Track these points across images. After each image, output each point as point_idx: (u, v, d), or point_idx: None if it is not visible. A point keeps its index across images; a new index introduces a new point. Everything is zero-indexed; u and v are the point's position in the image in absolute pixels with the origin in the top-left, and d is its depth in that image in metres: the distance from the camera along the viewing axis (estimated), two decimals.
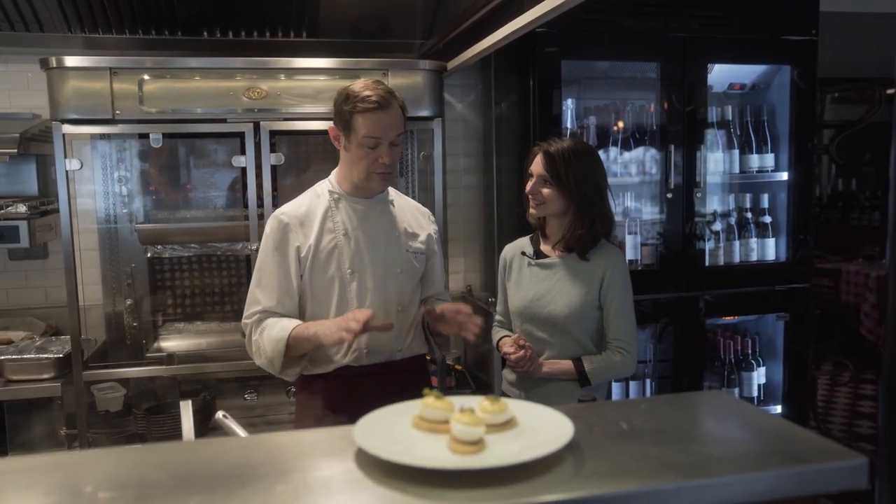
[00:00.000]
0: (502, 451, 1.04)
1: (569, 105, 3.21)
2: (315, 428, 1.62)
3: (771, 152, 3.43)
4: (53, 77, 2.67)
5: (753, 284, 3.39)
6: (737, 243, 3.42)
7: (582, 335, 2.19)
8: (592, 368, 2.17)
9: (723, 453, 1.10)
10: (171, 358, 2.94)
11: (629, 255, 3.23)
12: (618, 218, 3.15)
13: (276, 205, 2.77)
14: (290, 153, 3.14)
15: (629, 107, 3.33)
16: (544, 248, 2.29)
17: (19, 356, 2.80)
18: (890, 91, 4.94)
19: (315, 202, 2.06)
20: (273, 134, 2.90)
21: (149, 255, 3.18)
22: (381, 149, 1.96)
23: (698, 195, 3.27)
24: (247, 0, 3.07)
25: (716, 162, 3.39)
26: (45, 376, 2.81)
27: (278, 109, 2.86)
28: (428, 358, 3.26)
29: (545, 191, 2.18)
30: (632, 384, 3.37)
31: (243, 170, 2.89)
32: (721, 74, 3.42)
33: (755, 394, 3.48)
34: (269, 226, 2.05)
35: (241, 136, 2.88)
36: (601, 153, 3.22)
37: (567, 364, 2.19)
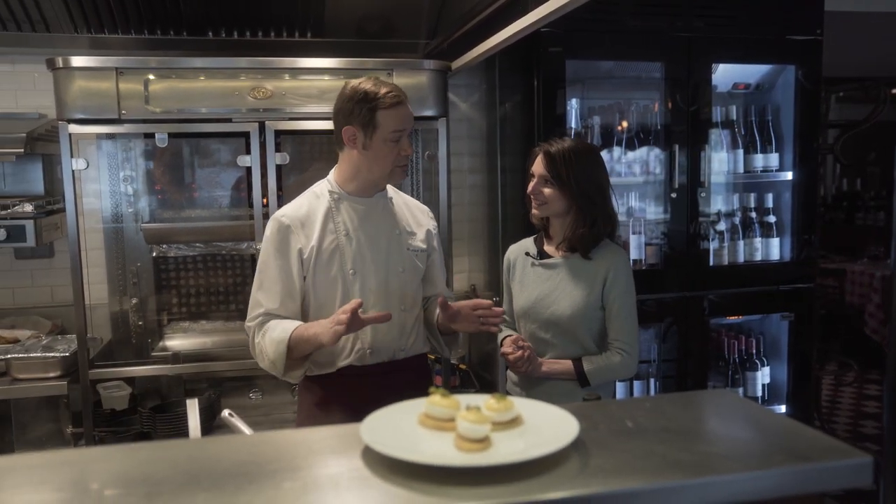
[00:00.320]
0: (508, 449, 1.05)
1: (573, 105, 3.21)
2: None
3: (775, 152, 3.42)
4: (60, 77, 2.68)
5: (758, 284, 3.39)
6: (741, 243, 3.42)
7: (585, 336, 2.20)
8: (592, 369, 2.17)
9: (728, 451, 1.11)
10: (176, 357, 2.96)
11: (633, 254, 3.24)
12: (622, 218, 3.16)
13: (280, 204, 2.78)
14: (294, 153, 3.15)
15: (633, 107, 3.33)
16: (548, 248, 2.30)
17: (26, 355, 2.81)
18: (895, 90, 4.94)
19: (315, 203, 2.06)
20: (278, 133, 2.91)
21: (154, 254, 3.20)
22: (403, 141, 2.00)
23: (703, 195, 3.27)
24: (252, 0, 3.07)
25: (720, 161, 3.39)
26: (51, 375, 2.81)
27: (283, 109, 2.86)
28: (432, 357, 3.29)
29: (546, 191, 2.19)
30: (636, 384, 3.37)
31: (248, 169, 2.90)
32: (725, 74, 3.42)
33: (759, 393, 3.48)
34: (270, 228, 2.04)
35: (246, 135, 2.89)
36: (605, 153, 3.23)
37: (566, 364, 2.19)
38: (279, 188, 2.92)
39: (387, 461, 1.02)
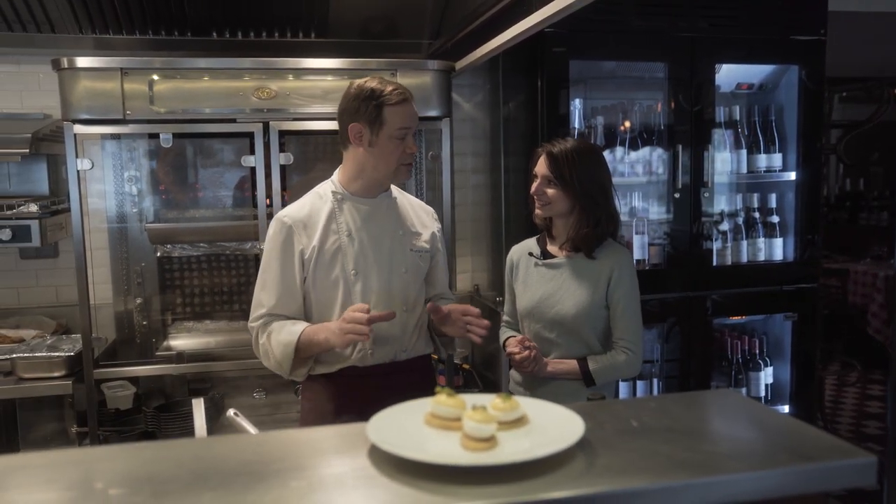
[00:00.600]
0: (514, 448, 1.05)
1: (576, 105, 3.21)
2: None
3: (779, 152, 3.42)
4: (65, 78, 2.69)
5: (761, 284, 3.39)
6: (744, 243, 3.42)
7: (590, 335, 2.20)
8: (597, 368, 2.18)
9: (733, 451, 1.11)
10: (180, 357, 2.96)
11: (637, 254, 3.24)
12: (625, 218, 3.16)
13: (284, 204, 2.79)
14: (298, 153, 3.16)
15: (637, 107, 3.33)
16: (551, 248, 2.30)
17: (31, 354, 2.83)
18: None
19: (318, 204, 2.06)
20: (282, 134, 2.92)
21: (158, 254, 3.21)
22: (409, 139, 2.01)
23: (706, 195, 3.27)
24: (256, 1, 3.08)
25: (723, 162, 3.39)
26: (56, 374, 2.83)
27: (287, 109, 2.87)
28: (435, 357, 3.29)
29: (550, 191, 2.19)
30: (639, 384, 3.37)
31: (252, 169, 2.91)
32: (729, 74, 3.42)
33: (762, 394, 3.48)
34: (273, 228, 2.05)
35: (250, 135, 2.90)
36: (608, 153, 3.23)
37: (571, 364, 2.20)
38: (283, 188, 2.92)
39: (393, 460, 1.03)
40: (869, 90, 4.61)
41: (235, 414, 1.87)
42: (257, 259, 3.06)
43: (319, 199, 2.07)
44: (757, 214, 3.45)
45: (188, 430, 2.83)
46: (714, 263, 3.34)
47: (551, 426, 1.12)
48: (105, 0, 2.96)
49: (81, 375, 2.82)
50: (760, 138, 3.42)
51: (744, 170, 3.41)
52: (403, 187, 2.27)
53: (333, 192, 2.07)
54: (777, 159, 3.42)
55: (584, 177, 2.16)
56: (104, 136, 3.11)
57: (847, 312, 6.01)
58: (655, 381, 3.40)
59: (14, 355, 2.82)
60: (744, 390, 3.46)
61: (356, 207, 2.06)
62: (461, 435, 1.07)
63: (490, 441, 1.05)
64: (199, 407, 1.67)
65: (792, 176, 3.41)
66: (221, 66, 2.82)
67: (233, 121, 2.88)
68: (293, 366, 2.00)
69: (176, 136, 2.86)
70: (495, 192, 3.60)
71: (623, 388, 3.31)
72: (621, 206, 2.36)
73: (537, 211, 2.25)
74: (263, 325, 2.04)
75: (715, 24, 3.21)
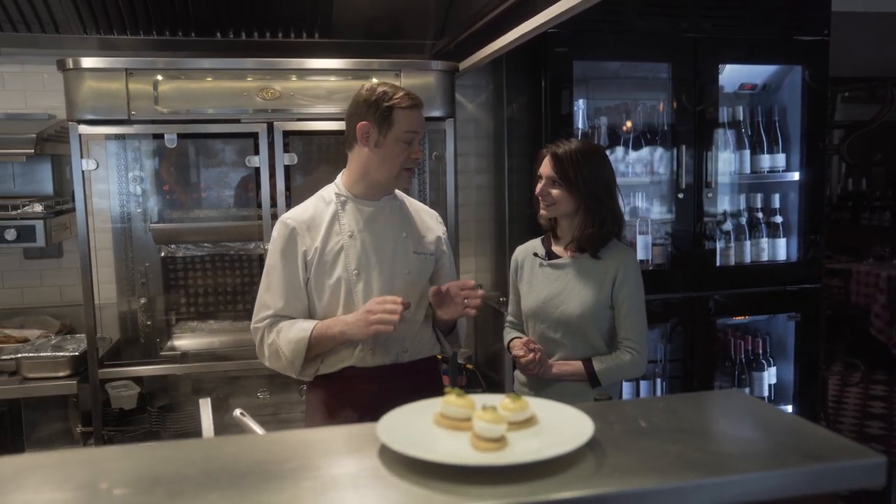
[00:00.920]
0: (524, 448, 1.06)
1: (580, 105, 3.22)
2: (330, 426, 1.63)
3: (782, 152, 3.43)
4: (70, 78, 2.70)
5: (764, 284, 3.39)
6: (748, 243, 3.42)
7: (595, 335, 2.20)
8: (602, 369, 2.18)
9: (742, 451, 1.11)
10: (184, 356, 2.97)
11: (640, 255, 3.24)
12: (628, 218, 3.16)
13: (289, 205, 2.79)
14: (303, 153, 3.16)
15: (640, 107, 3.34)
16: (556, 248, 2.31)
17: (35, 354, 2.83)
18: None
19: (321, 206, 2.07)
20: (286, 134, 2.92)
21: (162, 254, 3.21)
22: (415, 144, 2.03)
23: (709, 195, 3.28)
24: (260, 1, 3.09)
25: (727, 162, 3.39)
26: (61, 374, 2.83)
27: (291, 110, 2.88)
28: (439, 357, 3.29)
29: (554, 192, 2.20)
30: (642, 384, 3.38)
31: (257, 170, 2.91)
32: (732, 74, 3.43)
33: (766, 394, 3.48)
34: (276, 231, 2.06)
35: (254, 136, 2.90)
36: (612, 153, 3.24)
37: (577, 365, 2.20)
38: (287, 189, 2.93)
39: (403, 460, 1.03)
40: (873, 90, 4.61)
41: (242, 414, 1.88)
42: (261, 259, 3.06)
43: (323, 202, 2.08)
44: (760, 214, 3.46)
45: (192, 430, 2.84)
46: (717, 263, 3.35)
47: (561, 426, 1.13)
48: (109, 1, 2.97)
49: (86, 375, 2.83)
50: (764, 138, 3.42)
51: (747, 170, 3.41)
52: (407, 192, 2.27)
53: (337, 195, 2.08)
54: (780, 159, 3.42)
55: (589, 177, 2.17)
56: (108, 137, 3.12)
57: (849, 313, 6.02)
58: (659, 381, 3.40)
59: (19, 355, 2.82)
60: (747, 390, 3.46)
61: (359, 209, 2.07)
62: (471, 435, 1.08)
63: (500, 441, 1.06)
64: (206, 407, 1.68)
65: (795, 176, 3.42)
66: (226, 67, 2.83)
67: (237, 121, 2.88)
68: (304, 363, 1.99)
69: (180, 136, 2.86)
70: (499, 192, 3.60)
71: (626, 389, 3.31)
72: (624, 207, 2.36)
73: (542, 212, 2.25)
74: (270, 325, 2.03)
75: (718, 25, 3.21)
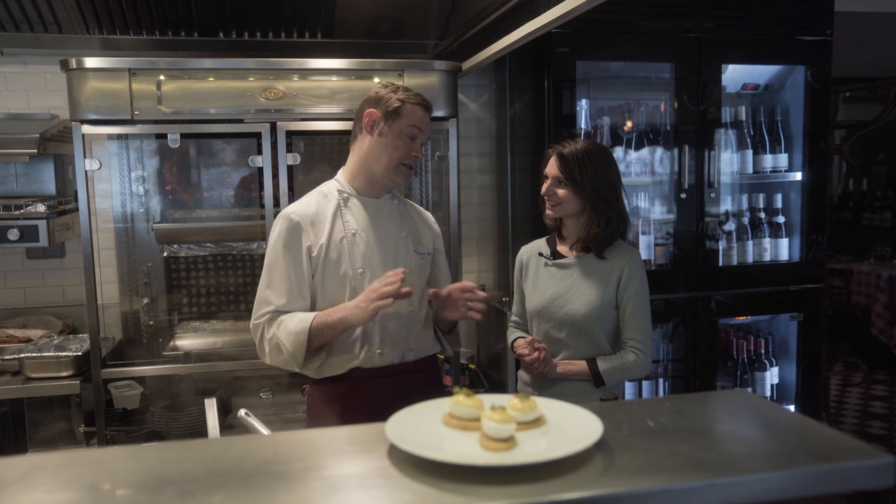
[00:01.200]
0: (533, 448, 1.06)
1: (583, 105, 3.22)
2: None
3: (784, 152, 3.43)
4: (73, 78, 2.69)
5: (767, 285, 3.39)
6: (750, 243, 3.43)
7: (600, 335, 2.21)
8: (607, 368, 2.18)
9: (750, 451, 1.11)
10: (187, 356, 2.97)
11: (642, 255, 3.24)
12: (630, 218, 3.16)
13: None
14: (306, 153, 3.16)
15: (643, 107, 3.34)
16: (561, 248, 2.31)
17: (39, 354, 2.83)
18: None
19: (323, 202, 2.06)
20: (289, 134, 2.92)
21: (165, 254, 3.22)
22: (417, 143, 2.04)
23: (712, 195, 3.28)
24: (263, 1, 3.09)
25: (729, 162, 3.40)
26: (64, 374, 2.83)
27: (294, 110, 2.87)
28: (441, 357, 3.30)
29: (560, 192, 2.20)
30: (644, 383, 3.38)
31: (259, 170, 2.91)
32: (735, 75, 3.43)
33: (768, 394, 3.48)
34: (280, 225, 2.03)
35: (257, 136, 2.90)
36: (614, 153, 3.23)
37: (581, 364, 2.20)
38: (290, 188, 2.92)
39: (412, 460, 1.03)
40: (875, 90, 4.60)
41: (246, 414, 1.87)
42: (264, 259, 3.06)
43: (324, 198, 2.07)
44: (762, 214, 3.46)
45: (195, 430, 2.83)
46: (720, 263, 3.35)
47: (569, 427, 1.13)
48: (112, 1, 2.97)
49: (89, 375, 2.83)
50: (766, 138, 3.43)
51: (749, 170, 3.42)
52: (409, 190, 2.27)
53: (339, 191, 2.07)
54: (783, 159, 3.43)
55: (595, 178, 2.17)
56: (111, 137, 3.12)
57: (851, 312, 6.02)
58: (661, 381, 3.40)
59: (22, 355, 2.82)
60: (749, 390, 3.46)
61: (361, 206, 2.07)
62: (480, 435, 1.08)
63: (509, 441, 1.06)
64: (211, 407, 1.68)
65: (798, 176, 3.42)
66: (229, 67, 2.82)
67: (240, 121, 2.88)
68: (306, 356, 1.97)
69: (183, 136, 2.86)
70: (501, 192, 3.60)
71: (629, 388, 3.32)
72: (628, 206, 2.37)
73: (548, 211, 2.26)
74: (270, 320, 2.00)
75: (721, 25, 3.21)
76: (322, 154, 3.29)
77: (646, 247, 3.26)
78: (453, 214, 3.04)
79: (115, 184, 3.22)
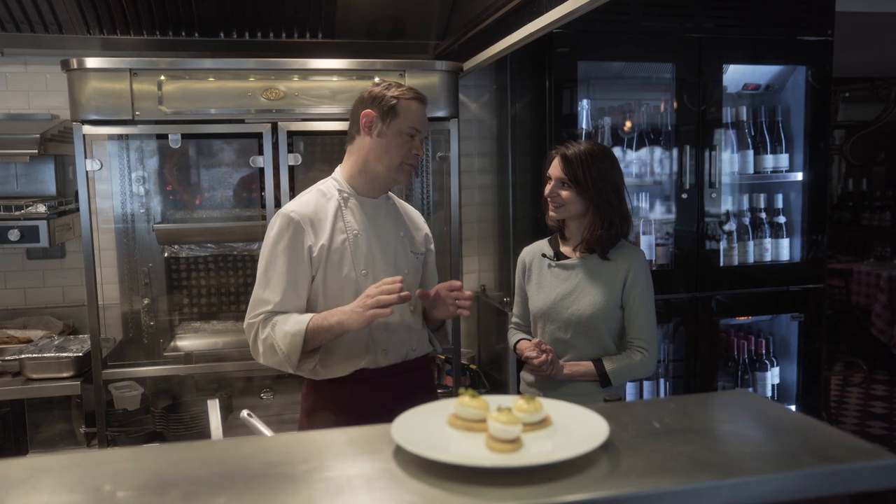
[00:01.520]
0: (539, 450, 1.06)
1: (584, 105, 3.22)
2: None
3: (785, 152, 3.43)
4: (74, 78, 2.69)
5: (768, 285, 3.39)
6: (751, 243, 3.43)
7: (605, 335, 2.21)
8: (613, 369, 2.18)
9: (755, 452, 1.11)
10: (187, 357, 2.97)
11: None
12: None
13: None
14: (307, 153, 3.16)
15: (644, 107, 3.34)
16: (564, 249, 2.31)
17: (39, 355, 2.82)
18: None
19: (322, 201, 2.03)
20: (290, 134, 2.92)
21: (166, 254, 3.21)
22: (417, 141, 2.02)
23: (713, 195, 3.28)
24: (264, 1, 3.08)
25: (730, 162, 3.40)
26: (65, 375, 2.82)
27: (295, 110, 2.87)
28: (441, 358, 3.30)
29: (564, 193, 2.20)
30: (646, 384, 3.38)
31: (261, 170, 2.90)
32: (735, 75, 3.43)
33: (769, 394, 3.49)
34: (279, 224, 1.98)
35: (258, 136, 2.89)
36: (615, 153, 3.24)
37: (587, 365, 2.20)
38: (291, 189, 2.92)
39: (418, 461, 1.03)
40: (876, 90, 4.61)
41: (249, 415, 1.88)
42: None
43: (323, 197, 2.04)
44: (763, 215, 3.46)
45: (196, 431, 2.83)
46: (720, 264, 3.35)
47: (575, 428, 1.12)
48: (113, 1, 2.96)
49: (89, 376, 2.82)
50: (767, 139, 3.43)
51: (750, 170, 3.42)
52: (410, 190, 2.27)
53: (339, 191, 2.05)
54: (784, 160, 3.43)
55: (599, 179, 2.17)
56: (111, 137, 3.11)
57: (850, 312, 6.03)
58: (662, 381, 3.40)
59: (22, 356, 2.81)
60: (749, 390, 3.46)
61: (361, 207, 2.05)
62: (486, 436, 1.08)
63: (515, 442, 1.06)
64: (214, 408, 1.67)
65: (798, 176, 3.42)
66: (229, 67, 2.82)
67: (241, 121, 2.87)
68: (301, 357, 1.94)
69: (184, 136, 2.86)
70: (502, 192, 3.60)
71: (630, 389, 3.31)
72: (631, 207, 2.37)
73: (551, 213, 2.25)
74: (265, 320, 1.96)
75: (722, 25, 3.22)
76: (323, 154, 3.29)
77: (646, 247, 3.26)
78: (454, 215, 3.04)
79: (115, 184, 3.21)
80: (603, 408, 1.23)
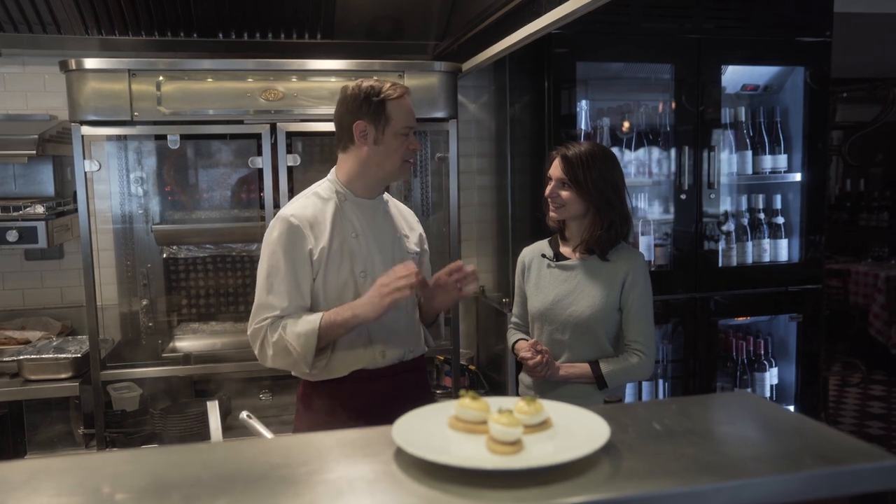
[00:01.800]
0: (540, 452, 1.06)
1: (583, 106, 3.22)
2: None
3: (784, 153, 3.44)
4: (73, 79, 2.68)
5: (766, 285, 3.40)
6: (749, 244, 3.43)
7: (603, 337, 2.21)
8: (609, 371, 2.18)
9: (756, 453, 1.11)
10: (186, 358, 2.96)
11: None
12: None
13: None
14: (305, 154, 3.15)
15: (643, 108, 3.34)
16: (564, 250, 2.31)
17: (38, 356, 2.82)
18: None
19: (320, 204, 2.03)
20: (289, 135, 2.91)
21: (164, 255, 3.21)
22: (411, 136, 2.03)
23: (711, 196, 3.28)
24: (263, 2, 3.08)
25: (728, 163, 3.40)
26: (63, 376, 2.82)
27: (294, 111, 2.87)
28: (441, 358, 3.30)
29: (564, 194, 2.20)
30: (644, 385, 3.38)
31: (259, 171, 2.90)
32: (734, 76, 3.43)
33: (768, 394, 3.49)
34: (279, 228, 1.98)
35: (257, 137, 2.89)
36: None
37: (584, 367, 2.20)
38: (290, 190, 2.91)
39: (419, 463, 1.03)
40: (874, 91, 4.61)
41: (248, 416, 1.87)
42: None
43: (321, 199, 2.04)
44: (762, 215, 3.46)
45: (195, 432, 2.82)
46: (719, 264, 3.35)
47: (576, 429, 1.12)
48: (111, 1, 2.96)
49: (88, 377, 2.81)
50: (765, 139, 3.43)
51: (749, 171, 3.42)
52: (410, 190, 2.27)
53: (337, 192, 2.05)
54: (782, 160, 3.43)
55: (599, 180, 2.17)
56: (110, 138, 3.11)
57: (848, 313, 6.03)
58: (661, 381, 3.40)
59: (21, 357, 2.81)
60: (748, 391, 3.47)
61: (359, 208, 2.05)
62: (487, 438, 1.08)
63: (516, 445, 1.05)
64: (213, 409, 1.67)
65: (797, 177, 3.43)
66: (228, 68, 2.82)
67: (240, 122, 2.87)
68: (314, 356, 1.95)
69: (183, 137, 2.85)
70: (501, 193, 3.60)
71: (629, 390, 3.31)
72: (631, 208, 2.37)
73: (552, 213, 2.25)
74: (272, 324, 1.96)
75: (721, 26, 3.22)
76: (322, 155, 3.29)
77: (645, 247, 3.26)
78: (453, 215, 3.04)
79: (114, 185, 3.21)
80: (603, 409, 1.23)
